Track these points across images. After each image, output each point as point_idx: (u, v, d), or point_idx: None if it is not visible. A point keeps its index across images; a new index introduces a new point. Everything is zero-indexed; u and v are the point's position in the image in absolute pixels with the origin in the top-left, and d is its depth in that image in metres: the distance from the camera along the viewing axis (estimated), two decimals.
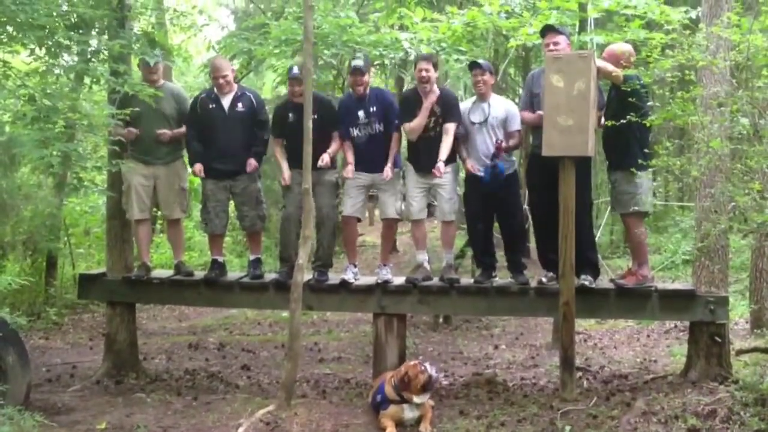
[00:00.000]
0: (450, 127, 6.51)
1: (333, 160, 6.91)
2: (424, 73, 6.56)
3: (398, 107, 6.80)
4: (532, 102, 6.54)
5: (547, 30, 6.51)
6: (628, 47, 6.43)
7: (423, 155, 6.54)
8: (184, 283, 7.15)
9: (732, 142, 5.84)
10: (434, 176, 6.44)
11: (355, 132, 6.73)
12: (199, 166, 6.95)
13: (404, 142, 7.10)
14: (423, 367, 5.61)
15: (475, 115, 6.58)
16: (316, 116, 6.24)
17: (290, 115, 6.81)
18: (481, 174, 6.45)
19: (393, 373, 5.84)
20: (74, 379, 7.20)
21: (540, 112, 6.25)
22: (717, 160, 5.83)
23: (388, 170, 6.64)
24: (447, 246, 6.86)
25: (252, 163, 6.91)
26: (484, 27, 9.07)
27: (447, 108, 6.58)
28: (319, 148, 6.43)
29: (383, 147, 6.70)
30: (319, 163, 6.43)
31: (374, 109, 6.68)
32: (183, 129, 7.09)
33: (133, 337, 7.35)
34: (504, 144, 6.45)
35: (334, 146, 6.79)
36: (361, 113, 6.70)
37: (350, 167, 6.72)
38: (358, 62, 6.86)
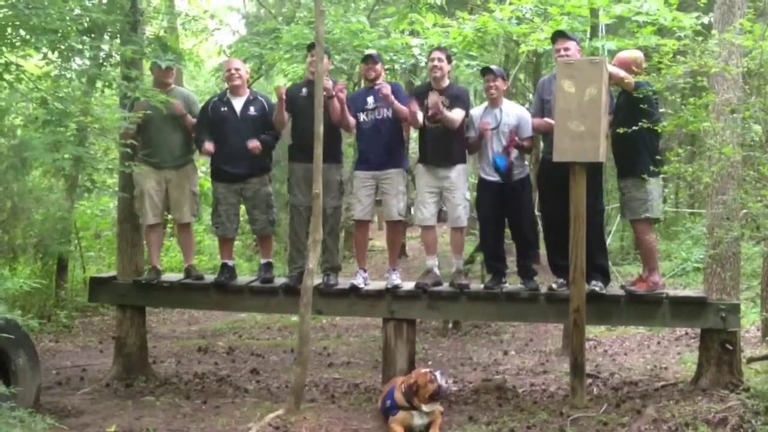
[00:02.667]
0: (457, 111, 6.50)
1: (340, 154, 6.93)
2: (436, 62, 6.58)
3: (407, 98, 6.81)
4: (542, 108, 6.54)
5: (558, 36, 6.51)
6: (639, 54, 6.42)
7: (432, 149, 6.53)
8: (193, 286, 7.16)
9: (744, 148, 5.82)
10: (442, 173, 6.48)
11: (362, 117, 6.73)
12: (209, 144, 6.84)
13: (413, 145, 7.09)
14: (433, 376, 5.59)
15: (487, 121, 6.56)
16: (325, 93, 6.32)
17: (304, 89, 6.81)
18: (495, 179, 6.49)
19: (403, 378, 5.83)
20: (84, 382, 7.22)
21: (548, 120, 6.25)
22: (729, 167, 5.82)
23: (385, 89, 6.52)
24: (457, 251, 6.85)
25: (255, 142, 6.79)
26: (494, 32, 9.07)
27: (454, 98, 6.56)
28: (329, 128, 6.36)
29: (390, 135, 6.70)
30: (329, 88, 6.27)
31: (381, 83, 6.70)
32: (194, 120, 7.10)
33: (143, 340, 7.37)
34: (518, 140, 6.45)
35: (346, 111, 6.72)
36: (370, 99, 6.71)
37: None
38: (371, 51, 6.99)
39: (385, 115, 6.69)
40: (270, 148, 7.07)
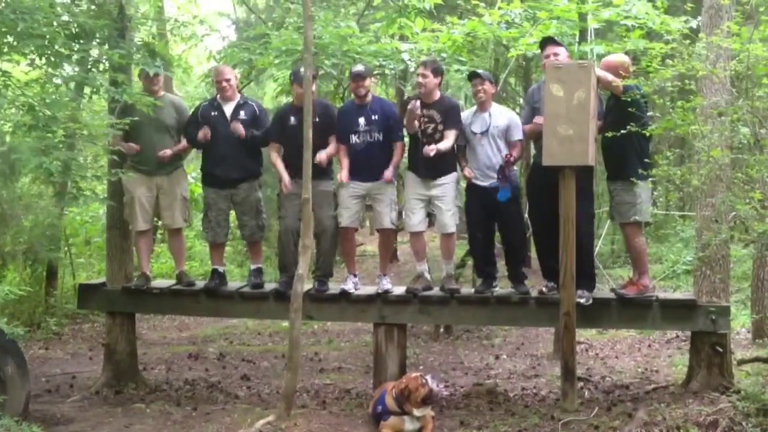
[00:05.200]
0: (450, 134, 6.49)
1: (330, 169, 6.91)
2: (420, 79, 6.58)
3: (399, 117, 6.81)
4: (533, 116, 6.53)
5: (547, 42, 6.52)
6: (626, 58, 6.44)
7: (423, 162, 6.51)
8: (183, 292, 7.14)
9: (732, 151, 5.84)
10: (432, 183, 6.45)
11: (354, 139, 6.69)
12: (205, 130, 6.86)
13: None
14: (424, 381, 5.58)
15: (476, 126, 6.56)
16: (317, 119, 6.28)
17: (291, 118, 6.78)
18: (484, 184, 6.48)
19: (394, 384, 5.82)
20: (74, 390, 7.18)
21: (537, 119, 6.25)
22: (718, 170, 5.83)
23: (388, 172, 6.60)
24: (447, 256, 6.83)
25: (239, 127, 6.79)
26: (484, 37, 9.07)
27: (447, 114, 6.55)
28: (319, 148, 6.40)
29: (381, 156, 6.68)
30: (316, 159, 6.34)
31: (375, 117, 6.66)
32: (183, 144, 7.11)
33: (133, 347, 7.34)
34: (511, 157, 6.45)
35: (331, 148, 6.74)
36: (361, 120, 6.67)
37: (345, 172, 6.68)
38: (359, 67, 6.92)
39: (376, 138, 6.67)
40: (257, 144, 7.02)
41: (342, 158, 6.78)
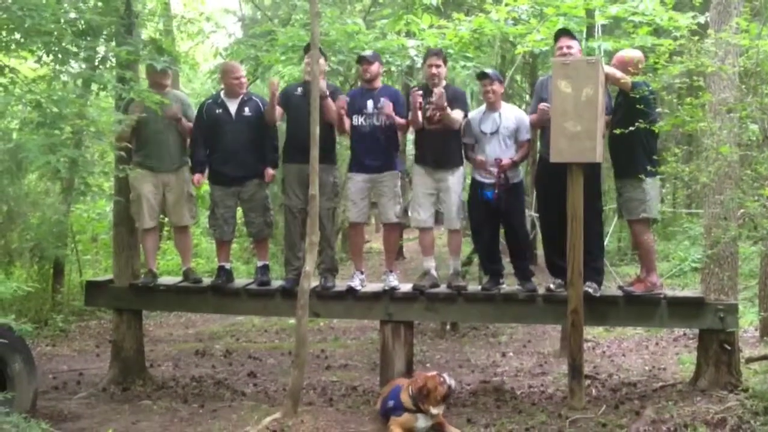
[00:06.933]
0: (458, 113, 6.48)
1: (333, 155, 6.90)
2: (434, 69, 6.54)
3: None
4: None
5: (562, 34, 6.49)
6: (638, 53, 6.40)
7: (430, 151, 6.50)
8: (190, 290, 7.13)
9: (741, 148, 5.82)
10: (439, 176, 6.40)
11: (359, 120, 6.66)
12: (198, 177, 6.96)
13: (409, 146, 7.06)
14: (442, 379, 5.56)
15: (486, 125, 6.54)
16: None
17: (298, 89, 6.79)
18: (490, 181, 6.46)
19: (409, 381, 5.77)
20: (81, 386, 7.19)
21: (542, 105, 6.22)
22: (726, 167, 5.81)
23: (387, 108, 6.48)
24: (454, 253, 6.82)
25: (269, 172, 6.90)
26: (491, 34, 9.07)
27: (453, 99, 6.51)
28: (323, 129, 6.27)
29: (386, 142, 6.66)
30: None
31: (383, 101, 6.64)
32: (191, 124, 7.09)
33: (140, 344, 7.34)
34: (507, 161, 6.43)
35: (341, 101, 6.60)
36: (369, 102, 6.65)
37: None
38: (367, 52, 6.98)
39: (383, 122, 6.63)
40: (277, 162, 7.08)
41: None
